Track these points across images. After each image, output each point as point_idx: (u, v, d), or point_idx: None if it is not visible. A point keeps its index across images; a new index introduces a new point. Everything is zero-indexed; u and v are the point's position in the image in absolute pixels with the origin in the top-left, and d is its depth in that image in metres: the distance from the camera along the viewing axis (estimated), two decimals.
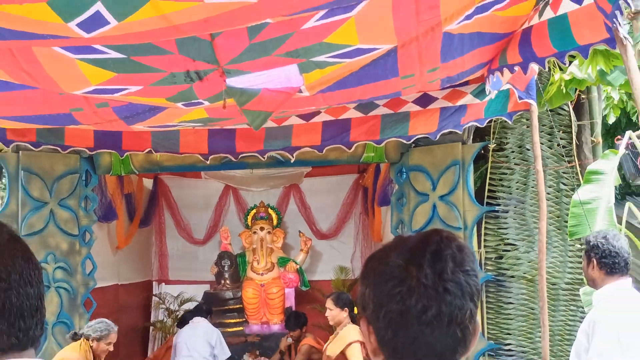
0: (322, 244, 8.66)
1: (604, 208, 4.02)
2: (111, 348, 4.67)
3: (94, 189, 5.77)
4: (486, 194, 5.35)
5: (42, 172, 5.37)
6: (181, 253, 8.79)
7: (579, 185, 4.56)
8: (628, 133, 4.33)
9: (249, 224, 8.12)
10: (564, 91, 4.76)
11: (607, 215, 4.01)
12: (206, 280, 8.26)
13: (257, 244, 7.95)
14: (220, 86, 2.79)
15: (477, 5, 2.46)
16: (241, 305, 7.72)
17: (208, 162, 5.29)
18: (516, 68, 3.02)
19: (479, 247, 5.29)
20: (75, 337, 4.61)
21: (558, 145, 5.32)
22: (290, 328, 6.47)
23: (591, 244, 3.09)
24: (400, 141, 4.85)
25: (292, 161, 5.30)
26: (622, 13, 2.08)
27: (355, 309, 4.72)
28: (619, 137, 4.68)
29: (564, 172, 5.36)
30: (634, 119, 8.11)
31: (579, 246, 5.01)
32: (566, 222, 4.70)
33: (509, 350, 5.25)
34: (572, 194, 4.66)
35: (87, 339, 4.56)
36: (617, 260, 3.01)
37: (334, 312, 4.71)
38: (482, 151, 5.33)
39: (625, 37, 2.15)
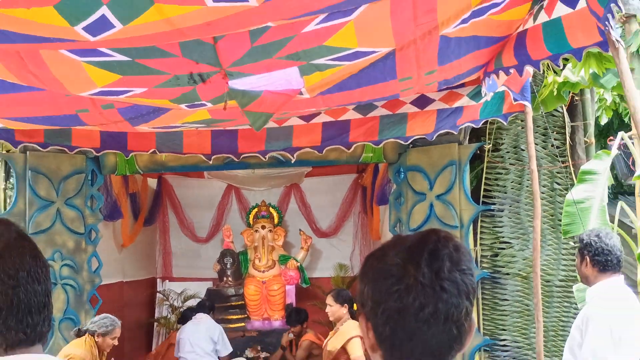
0: (322, 242, 8.66)
1: (597, 207, 4.02)
2: (116, 342, 4.67)
3: (99, 188, 5.77)
4: (482, 193, 5.35)
5: (49, 172, 5.37)
6: (184, 251, 8.80)
7: (572, 185, 4.57)
8: (620, 134, 4.33)
9: (251, 222, 8.12)
10: (555, 93, 4.76)
11: (600, 214, 4.01)
12: (209, 278, 8.26)
13: (259, 242, 7.96)
14: (223, 88, 2.79)
15: (473, 9, 2.45)
16: (243, 302, 7.72)
17: (211, 162, 5.29)
18: (512, 70, 3.02)
19: (475, 245, 5.29)
20: (80, 334, 4.61)
21: (552, 145, 5.32)
22: (291, 324, 6.47)
23: (584, 242, 3.09)
24: (398, 142, 4.85)
25: (292, 161, 5.30)
26: (613, 16, 2.08)
27: (355, 305, 4.73)
28: (611, 137, 4.68)
29: (557, 172, 5.36)
30: (626, 120, 8.11)
31: (573, 244, 5.01)
32: (560, 220, 4.70)
33: (504, 345, 5.25)
34: (566, 193, 4.66)
35: (92, 335, 4.55)
36: (609, 258, 3.01)
37: (334, 308, 4.71)
38: (478, 151, 5.33)
39: (617, 40, 2.15)
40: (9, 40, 2.10)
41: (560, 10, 2.46)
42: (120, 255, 7.13)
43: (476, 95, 4.06)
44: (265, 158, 5.16)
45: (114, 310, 5.26)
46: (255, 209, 8.16)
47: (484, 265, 5.31)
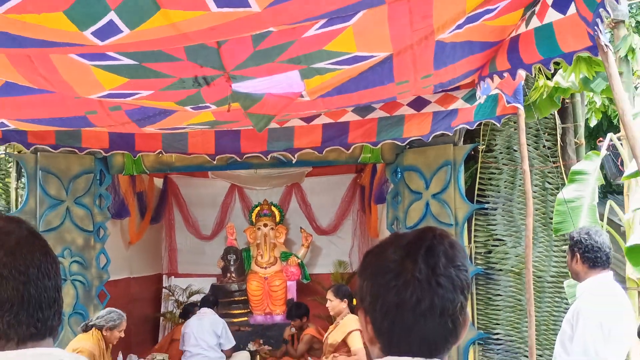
0: (322, 239, 8.66)
1: (587, 206, 4.02)
2: (122, 335, 4.69)
3: (107, 188, 5.77)
4: (476, 192, 5.35)
5: (59, 172, 5.37)
6: (190, 248, 8.79)
7: (563, 185, 4.57)
8: (609, 135, 4.34)
9: (253, 220, 8.12)
10: (544, 96, 4.76)
11: (590, 212, 4.01)
12: (213, 274, 8.26)
13: (261, 240, 7.95)
14: (227, 91, 2.79)
15: (467, 15, 2.45)
16: (246, 297, 7.71)
17: (215, 162, 5.28)
18: (505, 74, 3.02)
19: (469, 242, 5.29)
20: (87, 329, 4.61)
21: (544, 146, 5.32)
22: (291, 318, 6.47)
23: (575, 239, 3.09)
24: (395, 143, 4.84)
25: (293, 161, 5.30)
26: (602, 22, 2.07)
27: (354, 300, 4.73)
28: (600, 139, 4.69)
29: (549, 172, 5.36)
30: (615, 122, 8.12)
31: (564, 241, 5.01)
32: (551, 219, 4.70)
33: (498, 339, 5.25)
34: (557, 193, 4.66)
35: (100, 329, 4.56)
36: (599, 255, 3.01)
37: (334, 303, 4.71)
38: (472, 152, 5.33)
39: (606, 45, 2.15)
40: (21, 44, 2.10)
41: (552, 15, 2.46)
42: (127, 252, 7.12)
43: (471, 98, 4.05)
44: (267, 158, 5.15)
45: (121, 305, 5.26)
46: (258, 208, 8.15)
47: (478, 261, 5.31)
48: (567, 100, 5.34)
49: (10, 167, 6.25)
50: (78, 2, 1.77)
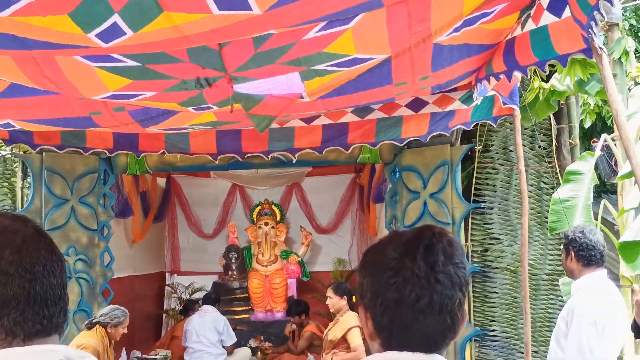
0: (322, 238, 8.66)
1: (581, 205, 4.02)
2: (126, 331, 4.70)
3: (111, 187, 5.77)
4: (473, 191, 5.36)
5: (63, 172, 5.37)
6: (192, 246, 8.80)
7: (558, 184, 4.57)
8: (603, 136, 4.34)
9: (254, 219, 8.12)
10: (541, 99, 4.77)
11: (585, 212, 4.01)
12: (215, 272, 8.26)
13: (262, 238, 7.95)
14: (228, 92, 2.79)
15: (464, 18, 2.45)
16: (247, 295, 7.71)
17: (217, 162, 5.29)
18: (501, 76, 3.01)
19: (466, 240, 5.29)
20: (91, 326, 4.60)
21: (539, 147, 5.32)
22: (291, 315, 6.48)
23: (569, 238, 3.08)
24: (393, 143, 4.84)
25: (294, 161, 5.30)
26: (597, 24, 2.07)
27: (354, 297, 4.73)
28: (595, 139, 4.69)
29: (544, 172, 5.36)
30: (608, 123, 8.12)
31: (559, 240, 5.01)
32: (546, 218, 4.70)
33: (494, 336, 5.25)
34: (552, 192, 4.66)
35: (104, 326, 4.56)
36: (593, 253, 3.01)
37: (334, 300, 4.71)
38: (469, 152, 5.33)
39: (600, 48, 2.14)
40: (26, 46, 2.09)
41: (547, 18, 2.45)
42: (131, 250, 7.12)
43: (468, 99, 4.05)
44: (268, 158, 5.15)
45: (125, 302, 5.26)
46: (259, 207, 8.16)
47: (474, 260, 5.31)
48: (562, 102, 5.35)
49: (16, 167, 6.24)
50: (82, 4, 1.77)
